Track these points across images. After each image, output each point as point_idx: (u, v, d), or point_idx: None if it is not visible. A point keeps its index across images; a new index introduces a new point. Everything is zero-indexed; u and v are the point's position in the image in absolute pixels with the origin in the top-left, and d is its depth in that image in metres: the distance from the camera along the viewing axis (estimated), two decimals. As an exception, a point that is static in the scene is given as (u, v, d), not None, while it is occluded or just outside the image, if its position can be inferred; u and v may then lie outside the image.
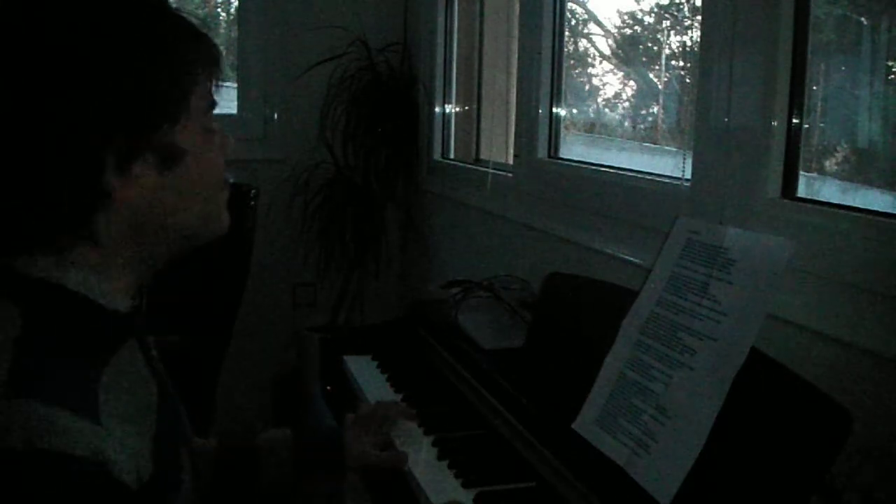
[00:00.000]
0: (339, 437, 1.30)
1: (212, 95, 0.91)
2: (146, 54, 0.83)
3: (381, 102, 3.18)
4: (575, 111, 2.57)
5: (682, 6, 2.21)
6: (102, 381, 0.81)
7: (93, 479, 0.74)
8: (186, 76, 0.87)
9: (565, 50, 2.33)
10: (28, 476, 0.71)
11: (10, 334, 0.78)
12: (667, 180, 1.74)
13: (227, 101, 3.49)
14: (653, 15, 2.41)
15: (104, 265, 0.86)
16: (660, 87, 2.43)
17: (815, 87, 1.48)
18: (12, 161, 0.81)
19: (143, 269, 0.92)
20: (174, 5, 0.91)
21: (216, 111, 0.94)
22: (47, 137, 0.80)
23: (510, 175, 2.42)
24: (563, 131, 2.34)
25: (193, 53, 0.88)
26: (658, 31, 2.40)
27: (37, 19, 0.81)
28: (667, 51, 2.35)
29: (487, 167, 2.58)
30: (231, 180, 0.98)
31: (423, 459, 1.35)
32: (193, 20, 0.91)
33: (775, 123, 1.40)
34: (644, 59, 2.58)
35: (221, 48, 1.01)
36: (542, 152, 2.27)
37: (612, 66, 2.71)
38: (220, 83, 0.93)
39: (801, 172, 1.44)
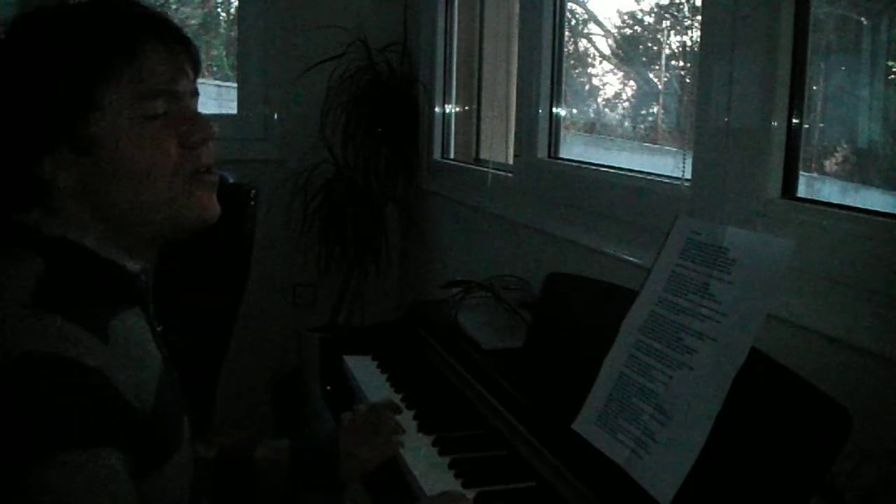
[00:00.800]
0: (334, 452, 1.30)
1: (163, 81, 0.95)
2: (42, 58, 0.92)
3: (381, 102, 3.18)
4: (575, 111, 2.57)
5: (682, 6, 2.21)
6: (112, 321, 0.89)
7: (98, 387, 0.82)
8: (93, 69, 0.91)
9: (565, 50, 2.33)
10: (43, 378, 0.80)
11: (35, 273, 0.87)
12: (667, 180, 1.74)
13: (227, 101, 3.50)
14: (653, 15, 2.41)
15: (107, 232, 0.95)
16: (660, 87, 2.43)
17: (815, 87, 1.48)
18: None
19: (139, 249, 0.98)
20: None
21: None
22: None
23: (510, 175, 2.42)
24: (563, 131, 2.34)
25: (101, 49, 0.92)
26: (658, 31, 2.40)
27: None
28: (667, 51, 2.35)
29: (487, 167, 2.58)
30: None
31: (423, 459, 1.36)
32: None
33: (775, 123, 1.40)
34: (644, 59, 2.58)
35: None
36: (542, 152, 2.27)
37: (612, 66, 2.71)
38: (181, 70, 0.97)
39: (801, 172, 1.43)
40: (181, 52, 0.98)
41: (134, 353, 0.90)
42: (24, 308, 0.83)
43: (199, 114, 1.00)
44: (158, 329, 1.02)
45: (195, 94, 1.01)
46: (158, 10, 1.00)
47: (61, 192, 0.93)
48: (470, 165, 2.92)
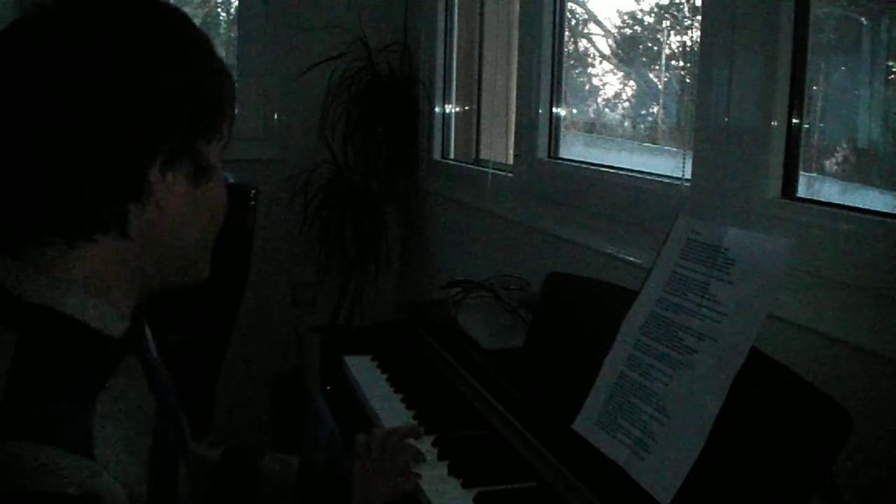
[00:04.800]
0: (344, 484, 1.23)
1: (229, 133, 0.95)
2: (202, 71, 0.89)
3: (381, 102, 3.19)
4: (575, 111, 2.57)
5: (682, 6, 2.21)
6: (97, 409, 0.80)
7: None
8: (224, 101, 0.92)
9: (565, 50, 2.33)
10: None
11: (3, 365, 0.77)
12: (667, 180, 1.74)
13: (227, 101, 3.49)
14: (653, 15, 2.41)
15: (104, 282, 0.87)
16: (660, 87, 2.43)
17: (815, 87, 1.48)
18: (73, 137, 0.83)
19: (139, 289, 0.92)
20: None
21: None
22: (114, 122, 0.83)
23: (510, 175, 2.42)
24: (563, 131, 2.34)
25: (226, 87, 0.93)
26: (658, 31, 2.39)
27: (119, 30, 0.85)
28: (667, 51, 2.35)
29: (487, 167, 2.58)
30: (231, 180, 1.00)
31: (422, 459, 1.35)
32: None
33: (775, 123, 1.40)
34: (644, 59, 2.58)
35: (221, 48, 1.04)
36: (542, 152, 2.27)
37: (612, 66, 2.71)
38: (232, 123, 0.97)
39: (801, 172, 1.44)
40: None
41: (126, 438, 0.82)
42: None
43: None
44: (153, 357, 0.97)
45: None
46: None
47: (147, 209, 0.86)
48: (470, 165, 2.92)
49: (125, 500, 0.78)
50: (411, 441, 1.35)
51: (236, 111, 0.95)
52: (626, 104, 2.68)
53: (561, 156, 2.29)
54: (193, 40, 0.90)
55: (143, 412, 0.88)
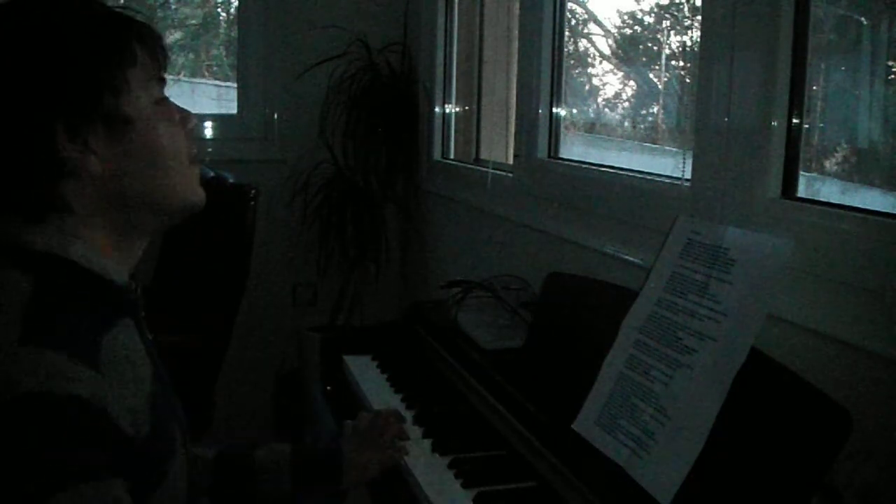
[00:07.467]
0: (338, 457, 1.30)
1: (157, 70, 0.98)
2: (75, 39, 0.91)
3: (381, 102, 3.18)
4: (575, 111, 2.57)
5: (682, 6, 2.21)
6: (103, 342, 0.88)
7: (96, 420, 0.81)
8: (119, 53, 0.94)
9: (565, 50, 2.33)
10: (41, 417, 0.78)
11: (22, 296, 0.85)
12: (667, 180, 1.74)
13: (227, 101, 3.49)
14: (653, 15, 2.41)
15: (96, 239, 0.94)
16: (660, 87, 2.43)
17: (815, 87, 1.48)
18: None
19: (132, 243, 0.98)
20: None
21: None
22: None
23: (510, 175, 2.42)
24: (563, 131, 2.34)
25: (125, 32, 0.95)
26: (658, 31, 2.40)
27: None
28: (667, 51, 2.35)
29: (487, 167, 2.58)
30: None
31: (422, 460, 1.36)
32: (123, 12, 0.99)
33: (775, 123, 1.40)
34: (644, 59, 2.58)
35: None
36: (542, 152, 2.27)
37: (612, 66, 2.71)
38: (164, 62, 1.00)
39: (801, 172, 1.43)
40: (162, 49, 1.01)
41: (127, 376, 0.89)
42: (16, 344, 0.81)
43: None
44: (150, 337, 1.01)
45: None
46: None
47: (84, 180, 0.91)
48: (470, 165, 2.92)
49: (130, 423, 0.85)
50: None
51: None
52: (626, 104, 2.68)
53: (561, 156, 2.29)
54: (66, 22, 0.92)
55: (142, 366, 0.94)
